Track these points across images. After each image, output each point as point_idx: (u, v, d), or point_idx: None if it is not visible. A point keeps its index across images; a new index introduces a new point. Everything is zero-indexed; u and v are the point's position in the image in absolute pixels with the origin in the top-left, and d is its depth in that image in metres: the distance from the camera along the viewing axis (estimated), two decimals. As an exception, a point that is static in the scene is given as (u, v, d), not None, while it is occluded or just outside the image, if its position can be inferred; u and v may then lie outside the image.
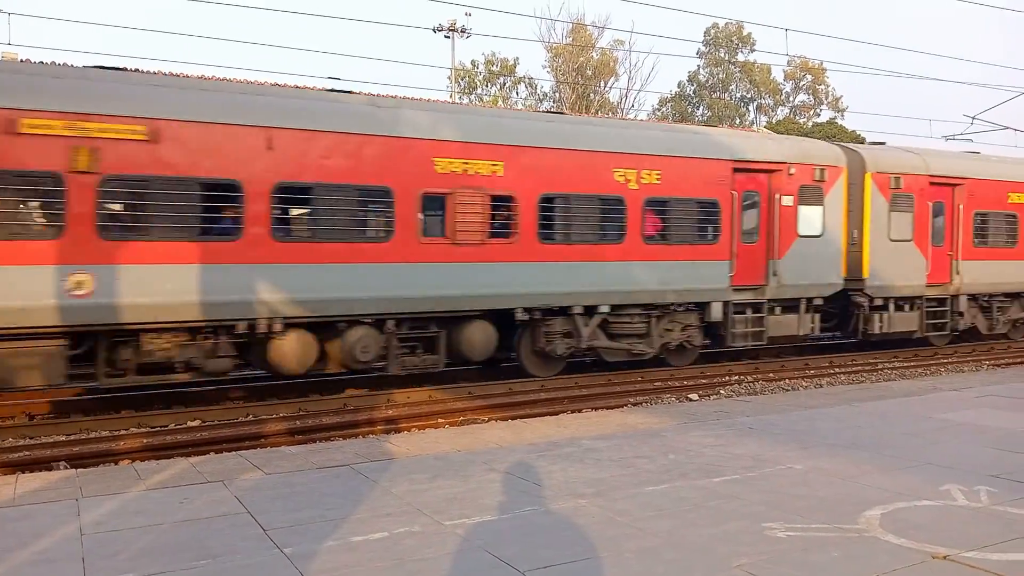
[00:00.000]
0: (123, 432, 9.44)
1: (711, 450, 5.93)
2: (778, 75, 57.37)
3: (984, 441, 6.11)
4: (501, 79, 48.02)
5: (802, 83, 58.19)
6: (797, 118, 54.48)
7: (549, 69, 50.25)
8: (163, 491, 4.87)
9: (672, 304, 13.35)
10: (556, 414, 9.63)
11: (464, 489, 4.88)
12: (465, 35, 39.52)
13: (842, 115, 55.96)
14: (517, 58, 49.85)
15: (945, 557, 3.71)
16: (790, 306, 14.56)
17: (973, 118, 26.84)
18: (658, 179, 13.13)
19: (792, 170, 14.46)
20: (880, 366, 15.52)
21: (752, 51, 54.59)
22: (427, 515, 4.38)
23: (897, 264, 15.48)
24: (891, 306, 15.49)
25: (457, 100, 40.50)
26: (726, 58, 55.98)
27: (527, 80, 49.04)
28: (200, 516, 4.36)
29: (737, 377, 14.26)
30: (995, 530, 4.06)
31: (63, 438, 9.08)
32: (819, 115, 56.80)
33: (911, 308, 15.83)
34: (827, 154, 15.25)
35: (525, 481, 5.06)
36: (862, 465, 5.40)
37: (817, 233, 14.60)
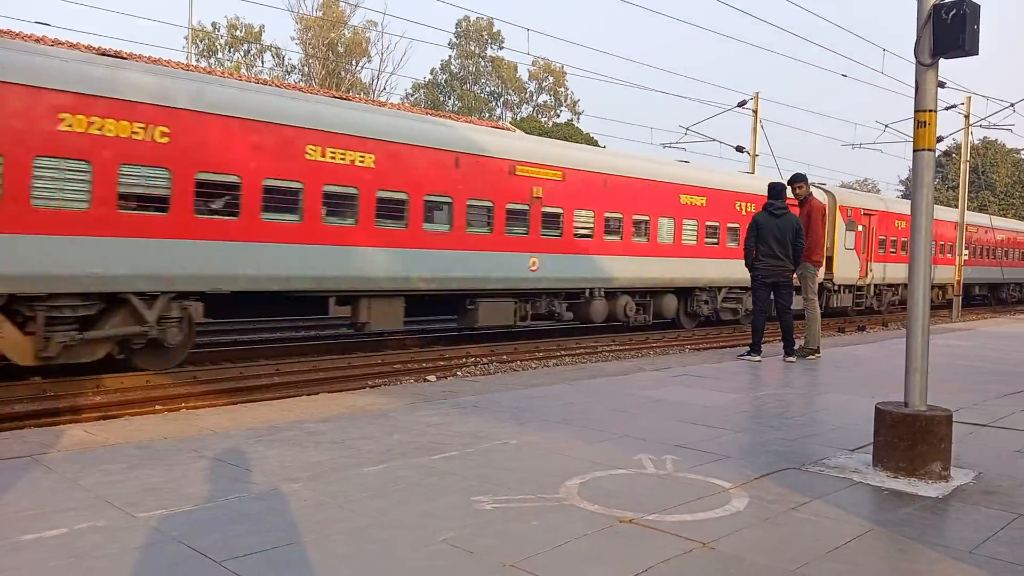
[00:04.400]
0: None
1: (435, 429, 6.04)
2: (524, 74, 60.05)
3: (674, 415, 6.83)
4: (245, 46, 45.36)
5: (544, 84, 61.46)
6: (539, 117, 57.43)
7: (298, 41, 48.35)
8: None
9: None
10: (292, 398, 9.33)
11: (166, 479, 4.52)
12: (206, -6, 36.78)
13: (578, 118, 59.97)
14: (263, 25, 47.35)
15: (631, 520, 4.06)
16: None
17: (687, 129, 30.08)
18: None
19: None
20: (600, 349, 16.84)
21: (501, 48, 56.63)
22: (118, 508, 3.99)
23: (848, 263, 26.53)
24: (843, 290, 26.87)
25: (195, 64, 37.63)
26: (476, 52, 57.48)
27: (274, 50, 46.81)
28: None
29: (474, 359, 14.73)
30: (674, 494, 4.53)
31: None
32: (559, 116, 60.35)
33: (849, 292, 27.39)
34: (819, 195, 23.37)
35: (236, 467, 4.80)
36: (570, 439, 5.80)
37: None
